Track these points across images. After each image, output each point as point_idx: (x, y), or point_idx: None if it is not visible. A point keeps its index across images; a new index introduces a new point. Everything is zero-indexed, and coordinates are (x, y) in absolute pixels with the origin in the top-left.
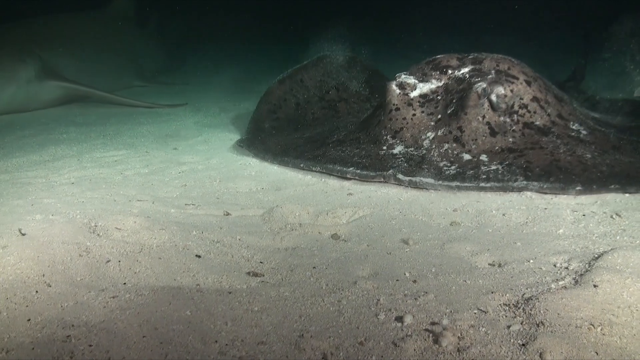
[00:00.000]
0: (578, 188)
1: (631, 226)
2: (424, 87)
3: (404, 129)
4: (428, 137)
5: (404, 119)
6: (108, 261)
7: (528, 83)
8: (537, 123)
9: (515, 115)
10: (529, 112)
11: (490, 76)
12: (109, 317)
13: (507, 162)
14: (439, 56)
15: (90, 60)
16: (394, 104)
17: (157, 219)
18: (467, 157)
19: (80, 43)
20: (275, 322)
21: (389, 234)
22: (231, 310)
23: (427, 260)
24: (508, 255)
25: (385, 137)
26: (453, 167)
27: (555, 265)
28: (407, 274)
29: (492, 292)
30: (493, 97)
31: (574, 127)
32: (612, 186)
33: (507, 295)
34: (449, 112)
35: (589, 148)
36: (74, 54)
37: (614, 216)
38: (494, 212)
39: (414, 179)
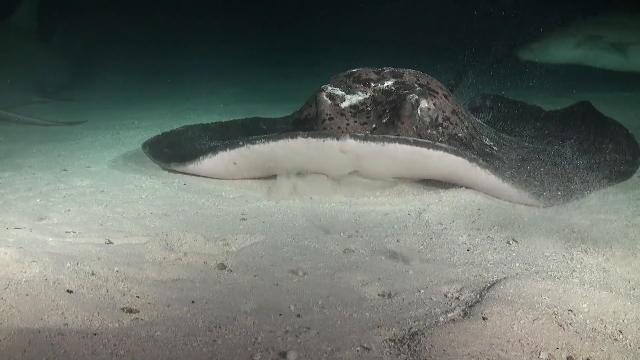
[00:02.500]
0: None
1: (527, 252)
2: (352, 99)
3: None
4: None
5: (339, 127)
6: None
7: (446, 97)
8: (460, 135)
9: (441, 128)
10: (451, 124)
11: (417, 89)
12: None
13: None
14: (355, 70)
15: None
16: (327, 114)
17: (31, 249)
18: None
19: None
20: None
21: (279, 263)
22: (93, 355)
23: (314, 291)
24: (399, 285)
25: None
26: None
27: (446, 296)
28: (292, 307)
29: (379, 326)
30: (418, 111)
31: (486, 142)
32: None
33: (394, 329)
34: (384, 121)
35: (502, 163)
36: None
37: (510, 242)
38: (388, 237)
39: (370, 135)
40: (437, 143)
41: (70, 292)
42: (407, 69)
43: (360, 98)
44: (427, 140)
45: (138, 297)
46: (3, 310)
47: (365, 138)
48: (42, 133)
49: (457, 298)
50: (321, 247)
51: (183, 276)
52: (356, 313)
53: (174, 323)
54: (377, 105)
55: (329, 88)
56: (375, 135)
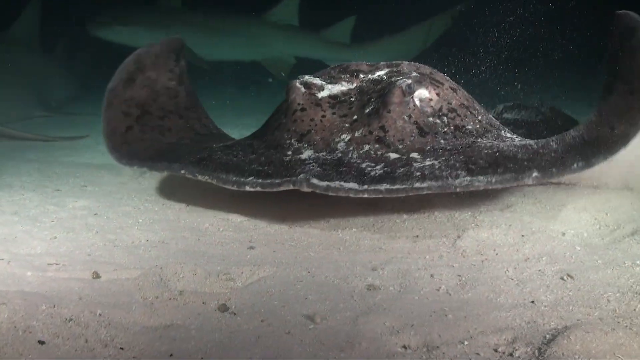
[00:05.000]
0: (535, 175)
1: (586, 292)
2: (333, 89)
3: (313, 131)
4: (343, 139)
5: (312, 120)
6: None
7: (454, 90)
8: (469, 127)
9: (445, 118)
10: (459, 116)
11: (413, 74)
12: None
13: (444, 158)
14: (346, 62)
15: None
16: (298, 104)
17: (2, 288)
18: (394, 155)
19: None
20: None
21: (292, 303)
22: None
23: (334, 342)
24: (437, 334)
25: (289, 141)
26: (379, 167)
27: (496, 350)
28: None
29: None
30: (417, 101)
31: (507, 135)
32: (575, 165)
33: None
34: (367, 111)
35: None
36: None
37: (565, 277)
38: (420, 271)
39: (332, 184)
40: (413, 185)
41: (42, 343)
42: (410, 62)
43: (344, 88)
44: (402, 186)
45: (122, 348)
46: None
47: (326, 189)
48: (39, 149)
49: (511, 355)
50: (341, 282)
51: (177, 321)
52: None
53: None
54: (363, 94)
55: (306, 77)
56: (338, 186)
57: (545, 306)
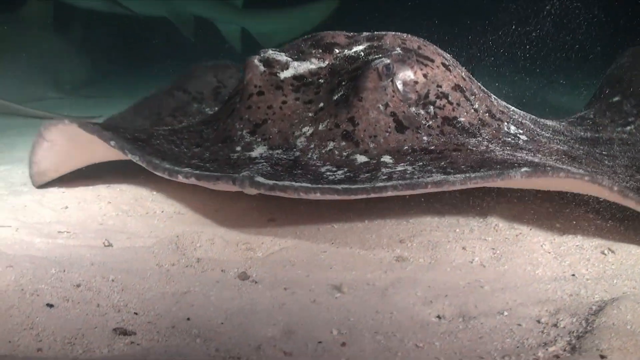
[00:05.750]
0: (524, 170)
1: (629, 265)
2: (300, 67)
3: (270, 121)
4: (304, 133)
5: (270, 107)
6: None
7: (447, 68)
8: (462, 120)
9: (432, 107)
10: (450, 103)
11: (395, 52)
12: None
13: (422, 164)
14: (320, 32)
15: None
16: (255, 86)
17: (9, 252)
18: (362, 159)
19: None
20: None
21: (316, 272)
22: None
23: (363, 312)
24: (473, 305)
25: (240, 133)
26: (340, 172)
27: (539, 321)
28: (335, 333)
29: None
30: (399, 84)
31: (510, 131)
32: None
33: None
34: (335, 98)
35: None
36: None
37: (605, 252)
38: (451, 243)
39: (280, 182)
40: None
41: (51, 306)
42: (396, 33)
43: (313, 67)
44: (361, 186)
45: (136, 313)
46: None
47: (272, 187)
48: None
49: (556, 325)
50: (367, 254)
51: (195, 288)
52: (422, 343)
53: (177, 351)
54: (334, 76)
55: (269, 52)
56: (287, 184)
57: (587, 279)
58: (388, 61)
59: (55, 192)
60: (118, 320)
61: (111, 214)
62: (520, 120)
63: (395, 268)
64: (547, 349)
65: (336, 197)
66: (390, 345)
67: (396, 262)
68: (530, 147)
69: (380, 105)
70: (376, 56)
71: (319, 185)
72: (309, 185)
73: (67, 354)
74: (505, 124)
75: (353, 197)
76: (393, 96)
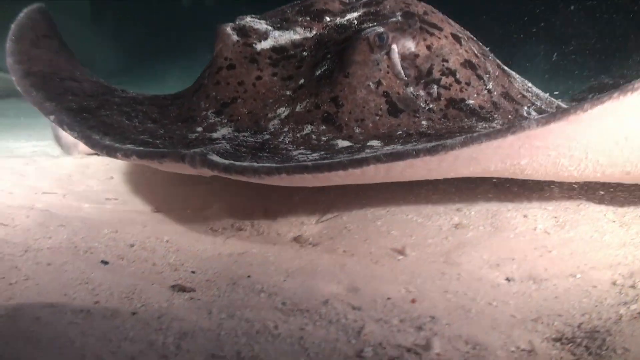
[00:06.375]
0: (538, 117)
1: None
2: (281, 38)
3: (239, 100)
4: (278, 115)
5: (241, 84)
6: None
7: (457, 39)
8: (471, 102)
9: (435, 87)
10: (457, 82)
11: (393, 19)
12: None
13: (415, 143)
14: None
15: None
16: (225, 58)
17: (59, 214)
18: (344, 144)
19: None
20: None
21: (374, 237)
22: (133, 334)
23: (429, 273)
24: (542, 268)
25: (205, 114)
26: (315, 154)
27: (614, 284)
28: (403, 291)
29: (534, 320)
30: (395, 57)
31: (530, 115)
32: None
33: (556, 324)
34: (317, 74)
35: None
36: None
37: None
38: (511, 212)
39: (237, 162)
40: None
41: (106, 263)
42: None
43: (297, 37)
44: (334, 160)
45: (193, 272)
46: (16, 282)
47: (227, 168)
48: None
49: (633, 287)
50: (425, 221)
51: (252, 249)
52: (495, 301)
53: (242, 304)
54: (320, 48)
55: (247, 19)
56: (246, 165)
57: None
58: (381, 30)
59: (99, 164)
60: (175, 277)
61: (159, 183)
62: (543, 107)
63: (456, 234)
64: (628, 307)
65: (306, 175)
66: (463, 303)
67: (455, 229)
68: None
69: (370, 83)
70: (370, 24)
71: (285, 164)
72: (274, 165)
73: (125, 307)
74: (526, 108)
75: (327, 173)
76: (387, 72)
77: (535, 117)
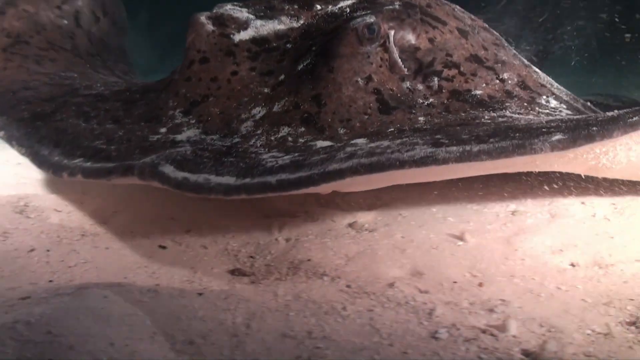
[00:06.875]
0: (557, 137)
1: None
2: (263, 28)
3: (211, 98)
4: (253, 115)
5: (214, 80)
6: (31, 250)
7: (463, 33)
8: (478, 92)
9: (436, 79)
10: (461, 74)
11: (389, 7)
12: None
13: (405, 139)
14: None
15: None
16: (198, 51)
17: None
18: (324, 144)
19: None
20: (272, 343)
21: (430, 224)
22: (199, 320)
23: (492, 258)
24: (606, 254)
25: (171, 112)
26: (288, 157)
27: None
28: (468, 275)
29: (606, 304)
30: (392, 51)
31: (548, 104)
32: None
33: (629, 308)
34: (299, 68)
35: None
36: None
37: None
38: (567, 199)
39: (192, 176)
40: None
41: (164, 247)
42: None
43: (281, 27)
44: (307, 173)
45: (252, 257)
46: (75, 265)
47: (179, 185)
48: None
49: None
50: (480, 208)
51: (308, 234)
52: (563, 286)
53: (307, 287)
54: (306, 39)
55: (227, 6)
56: (201, 181)
57: None
58: (372, 20)
59: None
60: (234, 262)
61: None
62: (565, 98)
63: (514, 220)
64: None
65: (270, 195)
66: (531, 287)
67: (513, 216)
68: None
69: (358, 79)
70: (363, 12)
71: (246, 181)
72: (232, 182)
73: (187, 289)
74: (544, 97)
75: (295, 191)
76: (380, 66)
77: (552, 138)
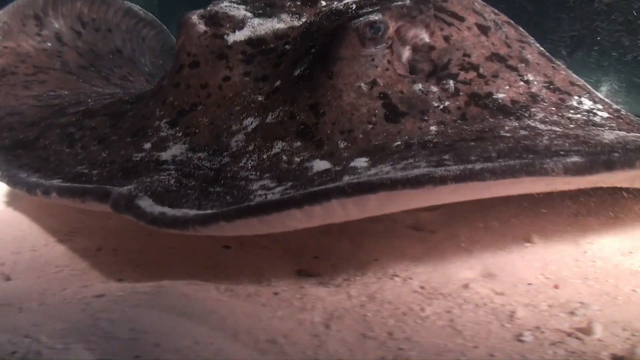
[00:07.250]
0: (573, 160)
1: None
2: (260, 27)
3: (200, 107)
4: (245, 127)
5: (204, 86)
6: (99, 250)
7: (483, 30)
8: (500, 96)
9: (452, 82)
10: (481, 76)
11: (398, 4)
12: None
13: (410, 161)
14: None
15: None
16: (188, 54)
17: None
18: (321, 166)
19: None
20: (353, 344)
21: (494, 225)
22: (279, 319)
23: (562, 260)
24: None
25: (157, 123)
26: (279, 189)
27: None
28: (541, 277)
29: None
30: (406, 50)
31: (581, 105)
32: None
33: None
34: (296, 73)
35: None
36: None
37: None
38: (629, 200)
39: (171, 211)
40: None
41: (228, 247)
42: None
43: (281, 26)
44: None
45: (317, 257)
46: (143, 264)
47: (154, 221)
48: None
49: None
50: (544, 210)
51: (371, 236)
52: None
53: (380, 288)
54: (306, 40)
55: (223, 4)
56: (180, 217)
57: None
58: (376, 18)
59: None
60: (299, 263)
61: None
62: (597, 97)
63: (579, 222)
64: None
65: (248, 232)
66: (606, 290)
67: (576, 217)
68: (613, 125)
69: (362, 85)
70: (369, 9)
71: (240, 220)
72: (223, 222)
73: (263, 289)
74: (576, 97)
75: (279, 227)
76: (386, 69)
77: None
